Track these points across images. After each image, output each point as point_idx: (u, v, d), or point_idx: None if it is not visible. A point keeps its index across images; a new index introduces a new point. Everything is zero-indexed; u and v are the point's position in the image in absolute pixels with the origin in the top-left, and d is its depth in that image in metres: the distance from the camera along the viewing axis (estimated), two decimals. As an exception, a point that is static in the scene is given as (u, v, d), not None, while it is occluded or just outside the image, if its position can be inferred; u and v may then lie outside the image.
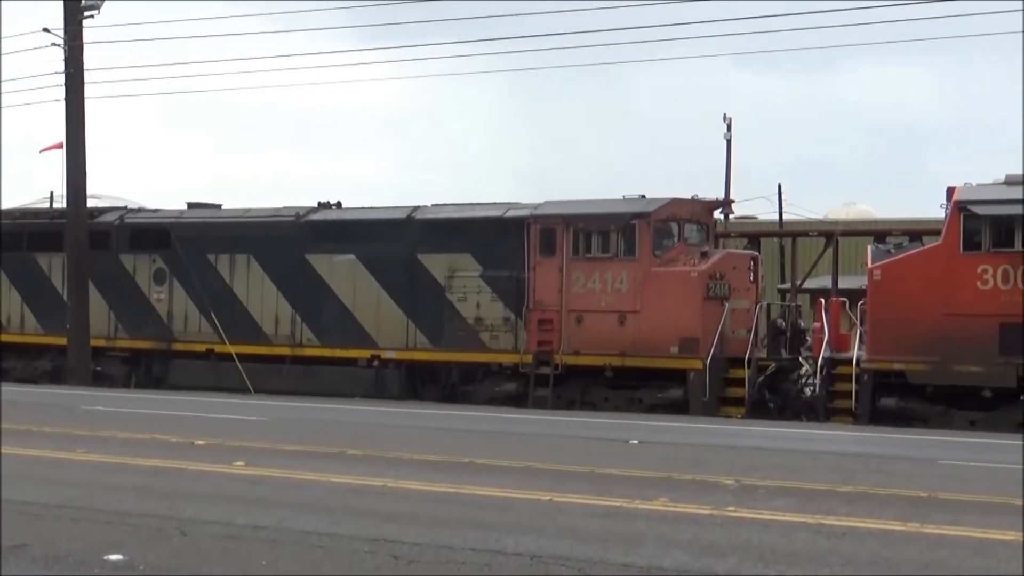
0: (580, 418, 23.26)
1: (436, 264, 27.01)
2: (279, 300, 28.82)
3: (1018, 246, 21.93)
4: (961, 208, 22.26)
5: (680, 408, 24.35)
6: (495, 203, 27.39)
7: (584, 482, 13.90)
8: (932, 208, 25.46)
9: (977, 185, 22.76)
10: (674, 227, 25.91)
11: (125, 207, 33.38)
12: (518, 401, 25.90)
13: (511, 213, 26.54)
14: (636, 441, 18.65)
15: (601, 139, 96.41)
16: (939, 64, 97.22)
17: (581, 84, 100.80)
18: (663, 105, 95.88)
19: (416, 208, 27.90)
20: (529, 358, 25.82)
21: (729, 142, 43.03)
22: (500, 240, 26.32)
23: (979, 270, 22.06)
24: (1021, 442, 18.56)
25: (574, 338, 25.50)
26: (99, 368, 30.89)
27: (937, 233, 23.11)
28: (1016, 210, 21.90)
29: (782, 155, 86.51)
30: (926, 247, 23.28)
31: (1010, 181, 22.41)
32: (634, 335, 24.90)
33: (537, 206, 26.40)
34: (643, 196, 25.86)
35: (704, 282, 24.63)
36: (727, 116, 43.41)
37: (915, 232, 25.04)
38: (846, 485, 13.79)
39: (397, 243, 27.48)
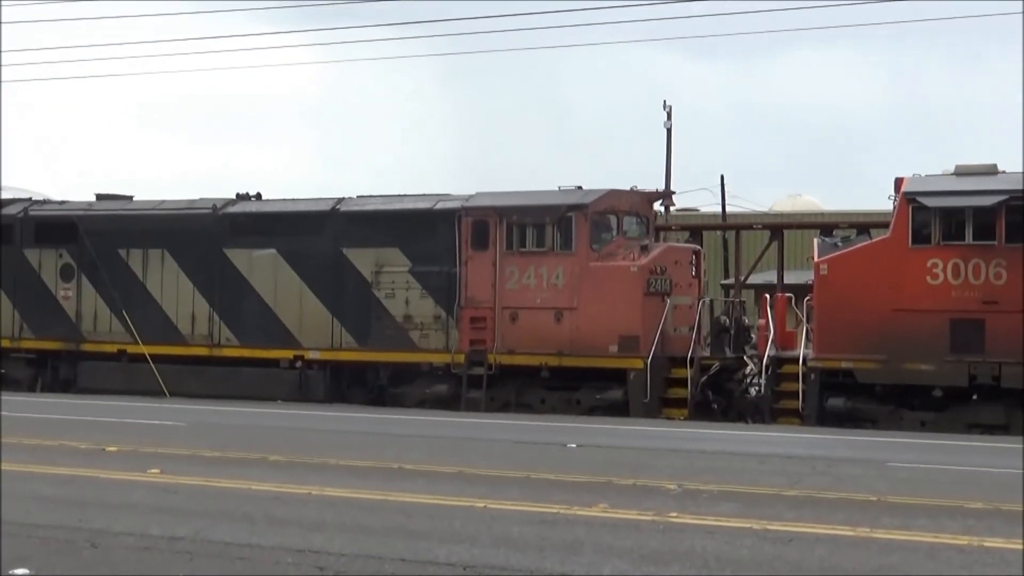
0: (515, 421, 23.02)
1: (362, 259, 26.61)
2: (196, 297, 28.31)
3: (969, 239, 21.81)
4: (910, 200, 22.21)
5: (620, 410, 24.11)
6: (424, 195, 27.00)
7: (519, 488, 13.80)
8: (880, 200, 25.52)
9: (926, 176, 22.76)
10: (612, 220, 25.75)
11: (29, 199, 32.80)
12: (450, 403, 25.54)
13: (441, 205, 26.22)
14: (574, 445, 18.40)
15: (537, 128, 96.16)
16: (886, 55, 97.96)
17: (516, 70, 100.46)
18: (601, 94, 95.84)
19: (341, 200, 27.57)
20: (461, 358, 25.41)
21: (669, 131, 42.73)
22: (430, 233, 26.01)
23: (929, 264, 21.98)
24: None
25: (508, 337, 25.19)
26: (3, 371, 30.23)
27: (885, 226, 23.09)
28: (966, 202, 21.77)
29: (724, 145, 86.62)
30: (874, 240, 23.28)
31: (960, 172, 22.40)
32: (571, 333, 24.67)
33: (469, 198, 26.15)
34: (580, 187, 25.77)
35: (644, 277, 24.44)
36: (667, 104, 43.00)
37: (863, 225, 25.63)
38: (793, 489, 13.74)
39: (321, 237, 27.13)
